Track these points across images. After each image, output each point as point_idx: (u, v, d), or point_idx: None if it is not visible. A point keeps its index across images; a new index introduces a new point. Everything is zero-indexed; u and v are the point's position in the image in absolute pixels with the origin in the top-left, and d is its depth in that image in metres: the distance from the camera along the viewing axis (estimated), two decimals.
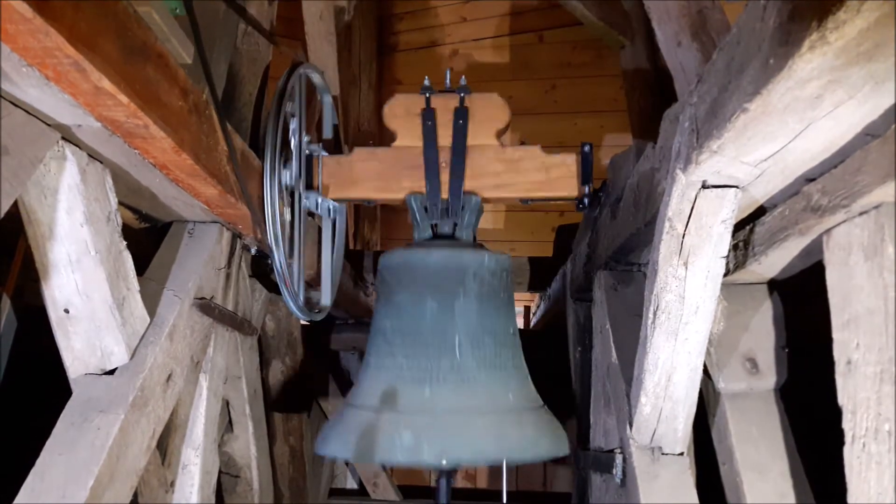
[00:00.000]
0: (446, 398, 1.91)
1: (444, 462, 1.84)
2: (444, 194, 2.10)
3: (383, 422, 1.90)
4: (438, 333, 1.96)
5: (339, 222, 2.49)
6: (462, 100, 2.04)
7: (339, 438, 1.99)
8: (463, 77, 2.07)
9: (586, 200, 2.09)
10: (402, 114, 2.10)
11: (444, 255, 2.04)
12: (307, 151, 2.11)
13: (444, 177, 2.09)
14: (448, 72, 2.09)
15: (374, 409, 1.94)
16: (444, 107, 2.08)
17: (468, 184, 2.10)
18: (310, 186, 2.15)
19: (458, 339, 1.95)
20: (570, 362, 2.66)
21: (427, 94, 2.06)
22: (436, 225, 2.14)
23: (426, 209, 2.13)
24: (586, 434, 2.28)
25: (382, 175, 2.15)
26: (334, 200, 2.25)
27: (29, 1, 0.91)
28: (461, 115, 2.04)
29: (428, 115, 2.04)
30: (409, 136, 2.11)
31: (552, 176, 2.10)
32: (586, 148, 2.07)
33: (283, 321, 2.90)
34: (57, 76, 1.11)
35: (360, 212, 5.04)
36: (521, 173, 2.10)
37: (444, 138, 2.08)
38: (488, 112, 2.08)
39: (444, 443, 1.86)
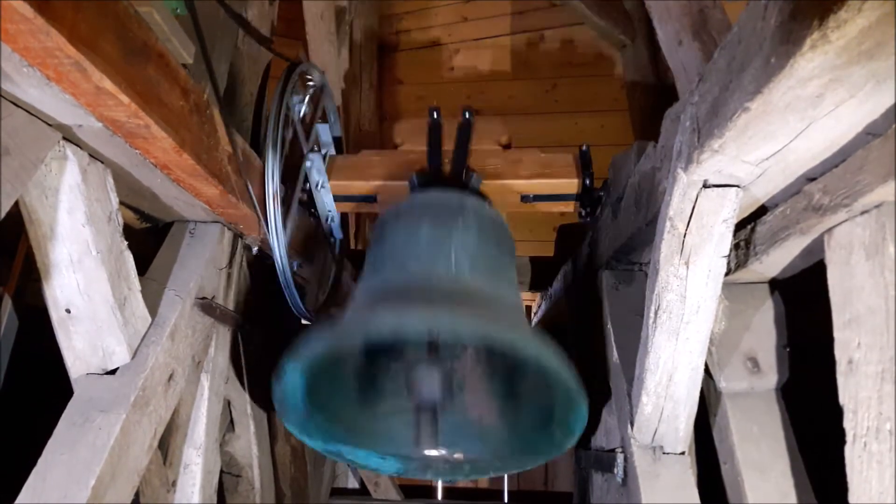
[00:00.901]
0: (443, 295, 1.64)
1: (428, 330, 1.65)
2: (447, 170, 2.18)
3: (363, 312, 1.68)
4: (434, 247, 1.77)
5: (335, 227, 2.50)
6: (468, 120, 2.11)
7: (322, 335, 1.55)
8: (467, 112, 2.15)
9: (584, 211, 2.14)
10: (407, 130, 2.30)
11: (443, 194, 1.96)
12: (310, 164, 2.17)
13: (447, 162, 2.18)
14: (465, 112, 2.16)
15: (353, 310, 1.72)
16: (449, 122, 2.17)
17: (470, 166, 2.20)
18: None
19: (455, 255, 1.74)
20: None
21: (432, 116, 2.13)
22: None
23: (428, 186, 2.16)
24: (587, 433, 2.28)
25: (387, 167, 2.27)
26: (338, 195, 2.28)
27: (30, 1, 0.92)
28: (465, 123, 2.11)
29: (433, 126, 2.11)
30: (413, 143, 2.27)
31: (552, 166, 2.20)
32: (584, 147, 2.18)
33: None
34: (58, 76, 1.11)
35: (362, 212, 5.04)
36: (521, 166, 2.20)
37: (448, 144, 2.16)
38: (490, 128, 2.23)
39: (430, 313, 1.55)
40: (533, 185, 2.17)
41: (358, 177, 2.28)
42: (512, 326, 1.62)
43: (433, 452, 1.81)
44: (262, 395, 2.59)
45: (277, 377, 1.57)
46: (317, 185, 2.22)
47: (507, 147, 2.25)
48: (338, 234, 2.51)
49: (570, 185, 2.15)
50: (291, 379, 1.61)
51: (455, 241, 1.77)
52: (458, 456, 1.84)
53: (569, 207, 2.22)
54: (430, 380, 1.71)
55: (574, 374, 1.51)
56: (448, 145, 2.14)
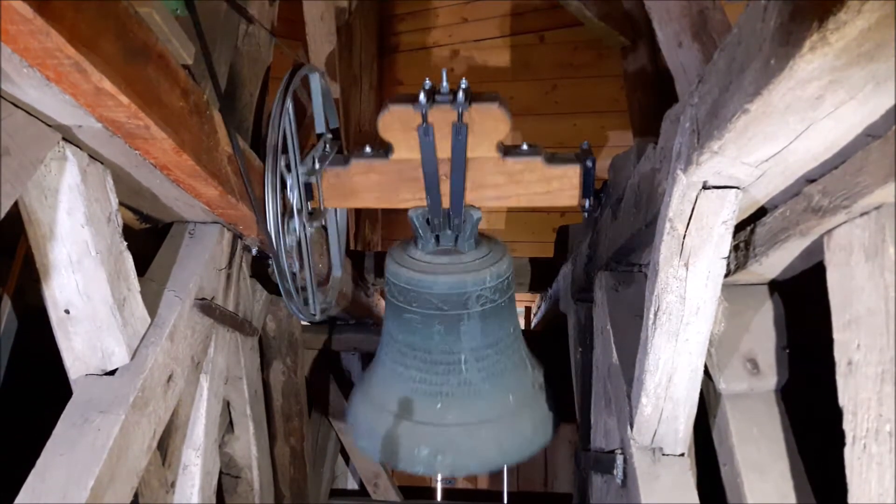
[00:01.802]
0: (455, 411, 2.23)
1: (455, 474, 2.21)
2: (445, 205, 2.09)
3: (404, 431, 2.25)
4: (446, 353, 2.22)
5: (340, 221, 2.50)
6: (460, 116, 1.91)
7: (369, 438, 2.36)
8: (464, 80, 1.97)
9: (587, 210, 2.09)
10: (398, 127, 1.98)
11: (449, 284, 2.15)
12: (306, 178, 2.06)
13: (445, 188, 2.04)
14: (445, 73, 1.98)
15: (395, 414, 2.27)
16: (442, 119, 1.95)
17: (468, 196, 2.06)
18: (312, 214, 2.15)
19: (464, 358, 2.22)
20: (570, 363, 2.66)
21: (423, 111, 1.91)
22: (438, 236, 2.20)
23: (428, 222, 2.15)
24: (587, 434, 2.28)
25: (382, 187, 2.09)
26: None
27: (29, 1, 0.91)
28: (460, 130, 1.92)
29: (425, 131, 1.93)
30: (406, 148, 2.01)
31: (553, 187, 2.04)
32: (588, 163, 2.01)
33: (283, 322, 2.91)
34: (58, 77, 1.11)
35: (362, 213, 5.04)
36: (522, 185, 2.05)
37: (443, 150, 1.98)
38: (487, 124, 1.96)
39: (455, 456, 2.22)
40: (533, 200, 2.07)
41: (350, 198, 2.15)
42: (518, 442, 2.27)
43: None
44: (261, 396, 2.59)
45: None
46: (317, 201, 2.17)
47: (507, 152, 2.03)
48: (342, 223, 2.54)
49: (572, 202, 2.06)
50: None
51: (464, 342, 2.20)
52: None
53: (570, 207, 2.15)
54: None
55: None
56: (443, 152, 1.98)
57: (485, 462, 2.27)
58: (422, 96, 1.88)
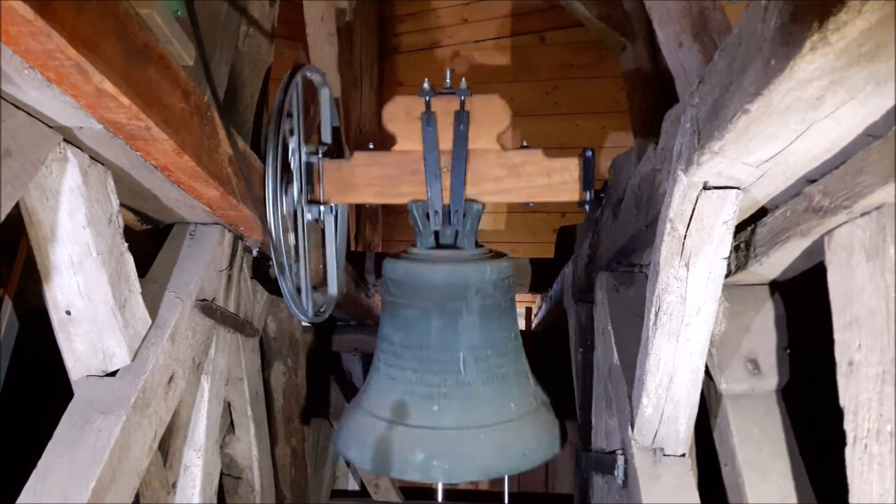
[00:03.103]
0: (452, 414, 2.10)
1: (452, 480, 2.05)
2: (446, 200, 2.09)
3: (397, 436, 2.10)
4: (444, 350, 2.11)
5: (341, 218, 2.50)
6: (462, 103, 1.98)
7: (359, 446, 2.19)
8: (464, 80, 2.01)
9: (588, 206, 2.08)
10: (401, 117, 2.04)
11: (447, 273, 2.09)
12: (307, 160, 2.08)
13: (446, 182, 2.06)
14: (449, 71, 2.03)
15: (388, 420, 2.13)
16: (445, 109, 2.01)
17: (469, 190, 2.08)
18: (311, 201, 2.13)
19: (463, 356, 2.11)
20: (571, 363, 2.66)
21: (427, 98, 2.00)
22: (438, 232, 2.16)
23: (428, 216, 2.13)
24: (588, 435, 2.28)
25: (383, 180, 2.11)
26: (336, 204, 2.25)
27: (30, 3, 0.92)
28: (462, 119, 1.97)
29: (428, 119, 1.98)
30: (408, 139, 2.06)
31: (554, 181, 2.06)
32: (588, 153, 2.03)
33: (284, 323, 2.91)
34: (59, 78, 1.11)
35: (362, 214, 5.04)
36: (523, 178, 2.07)
37: (445, 142, 2.02)
38: (489, 114, 2.02)
39: (452, 462, 2.07)
40: (534, 194, 2.09)
41: (351, 193, 2.16)
42: (520, 451, 2.13)
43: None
44: (262, 397, 2.59)
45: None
46: (318, 194, 2.18)
47: (506, 131, 2.07)
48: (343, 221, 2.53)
49: (572, 195, 2.07)
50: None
51: (462, 339, 2.10)
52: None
53: (571, 207, 2.16)
54: None
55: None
56: (445, 144, 2.02)
57: (484, 469, 2.13)
58: (426, 85, 1.94)
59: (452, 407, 2.10)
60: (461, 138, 2.00)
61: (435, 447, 2.07)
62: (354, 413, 2.28)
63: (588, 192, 2.05)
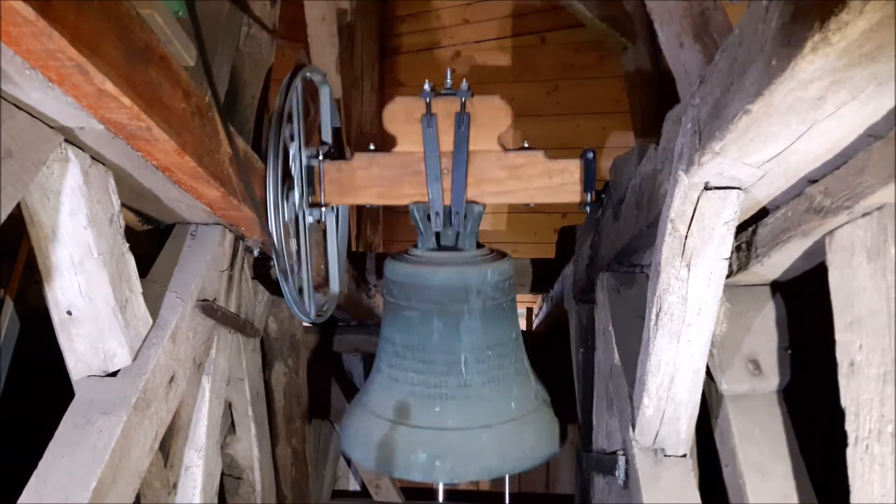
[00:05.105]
0: (454, 415, 2.14)
1: (454, 481, 2.09)
2: (447, 202, 2.09)
3: (400, 436, 2.15)
4: (445, 352, 2.15)
5: (342, 219, 2.51)
6: (463, 105, 1.97)
7: (363, 446, 2.26)
8: (465, 81, 2.00)
9: (588, 207, 2.08)
10: (402, 118, 2.03)
11: (448, 276, 2.10)
12: (307, 163, 2.08)
13: (446, 183, 2.06)
14: (449, 72, 2.02)
15: (391, 420, 2.17)
16: (445, 111, 2.00)
17: (470, 191, 2.07)
18: (312, 203, 2.13)
19: (464, 358, 2.15)
20: (572, 364, 2.65)
21: (427, 99, 1.98)
22: (439, 233, 2.18)
23: (429, 217, 2.13)
24: (589, 436, 2.28)
25: (384, 181, 2.11)
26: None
27: (31, 3, 0.92)
28: (462, 120, 1.96)
29: (429, 121, 1.97)
30: (409, 141, 2.05)
31: (555, 182, 2.06)
32: (589, 155, 2.03)
33: (285, 323, 2.91)
34: (60, 79, 1.11)
35: (363, 214, 5.04)
36: (524, 179, 2.06)
37: (446, 143, 2.01)
38: (490, 116, 2.00)
39: (454, 462, 2.12)
40: (535, 195, 2.09)
41: (351, 194, 2.16)
42: (520, 451, 2.17)
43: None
44: (263, 398, 2.59)
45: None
46: (318, 196, 2.18)
47: (507, 131, 2.06)
48: (344, 222, 2.55)
49: (573, 196, 2.08)
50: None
51: (464, 341, 2.13)
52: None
53: (572, 208, 2.15)
54: None
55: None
56: (445, 145, 2.01)
57: (486, 469, 2.18)
58: (427, 86, 1.92)
59: (454, 407, 2.14)
60: (462, 140, 1.99)
61: (437, 448, 2.12)
62: (357, 412, 2.33)
63: (589, 194, 2.05)
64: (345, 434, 2.37)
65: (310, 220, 2.11)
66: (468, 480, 2.14)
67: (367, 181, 2.11)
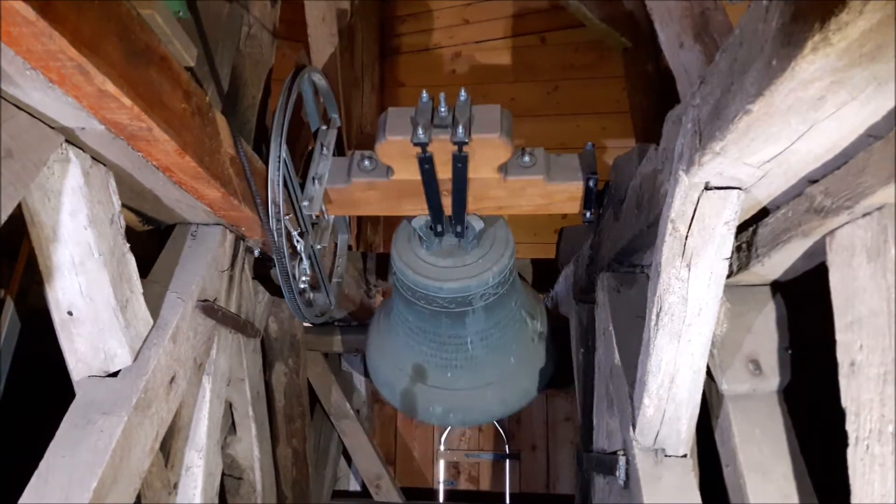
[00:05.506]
0: (462, 379, 2.59)
1: (465, 426, 2.64)
2: (448, 212, 2.10)
3: (419, 391, 2.63)
4: (453, 336, 2.48)
5: (343, 220, 2.51)
6: (460, 148, 1.82)
7: (388, 389, 2.76)
8: (463, 91, 1.82)
9: (587, 221, 2.11)
10: (396, 154, 1.92)
11: (452, 288, 2.23)
12: (305, 211, 2.05)
13: (447, 200, 2.04)
14: (443, 97, 1.80)
15: (410, 376, 2.63)
16: (442, 149, 1.85)
17: (470, 206, 2.08)
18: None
19: (470, 339, 2.47)
20: (572, 364, 2.66)
21: (421, 143, 1.80)
22: (441, 236, 2.24)
23: (431, 228, 2.20)
24: (589, 436, 2.28)
25: (383, 200, 2.10)
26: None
27: (32, 3, 0.92)
28: (459, 159, 1.86)
29: (424, 160, 1.86)
30: (406, 171, 1.96)
31: (555, 200, 2.07)
32: (591, 183, 1.99)
33: (285, 323, 2.91)
34: (60, 79, 1.11)
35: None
36: (524, 198, 2.06)
37: (444, 172, 1.93)
38: (488, 153, 1.89)
39: (465, 414, 2.69)
40: (535, 210, 2.09)
41: (352, 209, 2.17)
42: (518, 395, 2.70)
43: None
44: (263, 398, 2.58)
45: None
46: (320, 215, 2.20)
47: (508, 171, 1.99)
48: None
49: (574, 207, 2.08)
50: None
51: (469, 329, 2.43)
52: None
53: (574, 209, 2.14)
54: None
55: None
56: (444, 174, 1.92)
57: (489, 415, 2.79)
58: (420, 132, 1.75)
59: (462, 374, 2.57)
60: (460, 176, 1.91)
61: (449, 403, 2.63)
62: (381, 358, 2.77)
63: (588, 212, 2.07)
64: (373, 374, 2.86)
65: (310, 221, 2.12)
66: (475, 425, 2.57)
67: (366, 201, 2.11)
